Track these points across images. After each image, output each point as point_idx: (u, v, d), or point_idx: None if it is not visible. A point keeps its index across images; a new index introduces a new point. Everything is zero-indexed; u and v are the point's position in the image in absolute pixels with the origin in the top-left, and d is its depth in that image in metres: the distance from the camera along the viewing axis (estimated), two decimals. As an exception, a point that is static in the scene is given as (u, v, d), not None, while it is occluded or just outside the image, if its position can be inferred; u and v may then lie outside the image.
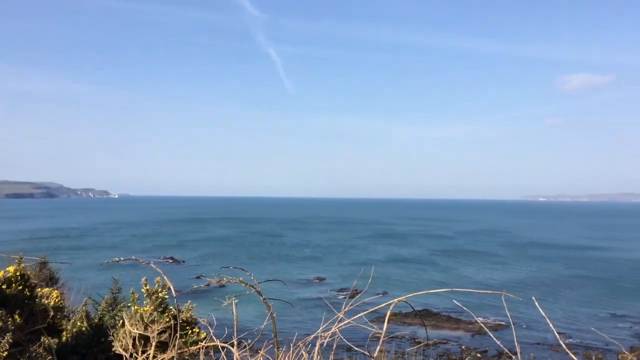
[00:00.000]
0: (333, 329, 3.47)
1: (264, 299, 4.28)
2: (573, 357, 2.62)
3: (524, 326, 43.61)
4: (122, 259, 4.64)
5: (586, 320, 47.27)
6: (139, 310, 4.84)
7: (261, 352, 4.03)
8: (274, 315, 4.23)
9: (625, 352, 2.89)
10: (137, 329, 4.66)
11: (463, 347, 39.48)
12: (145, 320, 4.70)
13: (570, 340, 41.11)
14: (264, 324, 4.50)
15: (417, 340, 38.36)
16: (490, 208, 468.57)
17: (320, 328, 3.53)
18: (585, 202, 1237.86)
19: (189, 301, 5.18)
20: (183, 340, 4.80)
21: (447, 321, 46.24)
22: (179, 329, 4.43)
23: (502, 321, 44.99)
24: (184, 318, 5.01)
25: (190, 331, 4.97)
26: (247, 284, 4.26)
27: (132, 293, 5.17)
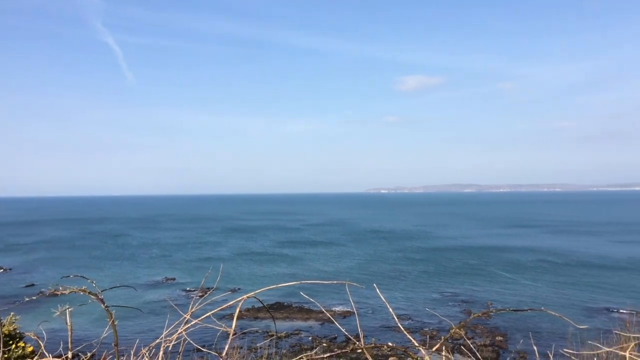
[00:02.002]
0: (179, 332, 3.32)
1: (105, 306, 3.96)
2: (410, 336, 2.81)
3: (371, 312, 46.47)
4: None
5: (422, 301, 51.76)
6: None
7: (100, 363, 3.72)
8: (116, 322, 3.94)
9: (455, 327, 3.19)
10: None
11: (314, 336, 40.92)
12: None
13: (410, 321, 44.76)
14: (105, 333, 4.17)
15: (270, 333, 38.89)
16: (338, 201, 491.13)
17: (164, 332, 3.36)
18: (420, 193, 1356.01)
19: (12, 313, 4.61)
20: (6, 356, 4.26)
21: (298, 312, 47.50)
22: (0, 344, 3.92)
23: (349, 308, 47.57)
24: (6, 332, 4.44)
25: (14, 346, 4.43)
26: (87, 291, 3.91)
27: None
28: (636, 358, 3.04)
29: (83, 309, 3.95)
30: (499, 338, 38.77)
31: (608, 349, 3.51)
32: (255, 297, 3.70)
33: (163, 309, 47.56)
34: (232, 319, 3.74)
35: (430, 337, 38.50)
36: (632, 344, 3.02)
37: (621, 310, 44.53)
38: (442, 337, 3.25)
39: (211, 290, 4.51)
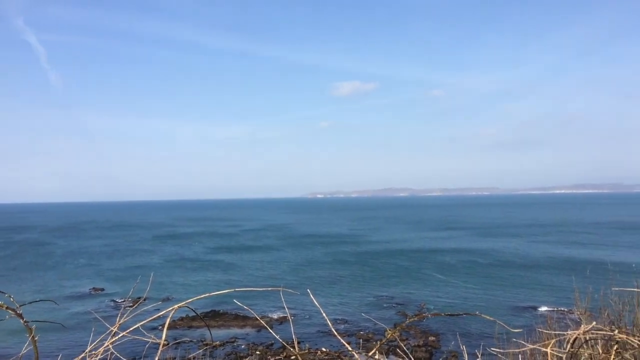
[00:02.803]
0: (106, 345, 3.16)
1: (25, 321, 3.71)
2: (342, 341, 2.82)
3: (308, 317, 46.51)
4: None
5: (358, 305, 52.42)
6: None
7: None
8: (37, 338, 3.70)
9: (389, 330, 3.24)
10: None
11: (250, 344, 40.45)
12: None
13: (346, 325, 45.19)
14: (24, 349, 3.91)
15: (205, 342, 38.06)
16: (274, 206, 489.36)
17: (89, 346, 3.19)
18: (355, 197, 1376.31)
19: None
20: None
21: (234, 320, 46.82)
22: None
23: (287, 314, 47.46)
24: None
25: None
26: (4, 306, 3.64)
27: None
28: (556, 353, 3.19)
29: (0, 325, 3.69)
30: (432, 338, 39.89)
31: (532, 346, 3.68)
32: (187, 307, 3.59)
33: (89, 322, 45.44)
34: (164, 329, 3.61)
35: (366, 341, 39.02)
36: (553, 341, 3.18)
37: (544, 308, 47.00)
38: (378, 341, 3.29)
39: (141, 300, 4.33)
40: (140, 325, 3.34)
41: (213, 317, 47.60)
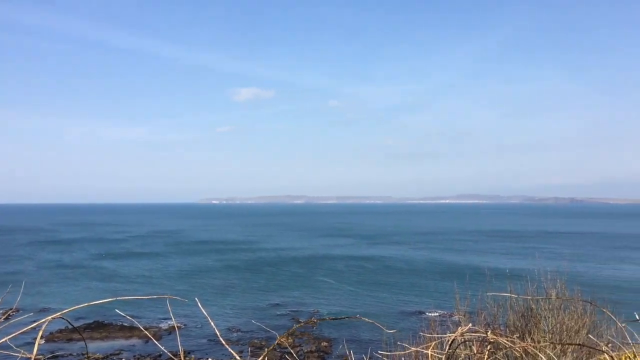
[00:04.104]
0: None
1: None
2: (230, 349, 2.76)
3: (199, 326, 45.27)
4: None
5: (251, 313, 51.99)
6: None
7: None
8: None
9: (279, 337, 3.24)
10: None
11: (136, 355, 38.58)
12: None
13: (239, 333, 44.60)
14: None
15: (88, 356, 35.71)
16: (167, 211, 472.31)
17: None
18: (252, 203, 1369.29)
19: None
20: None
21: (120, 330, 44.39)
22: None
23: (179, 323, 45.89)
24: None
25: None
26: None
27: None
28: (437, 355, 3.36)
29: None
30: (325, 344, 40.59)
31: (415, 349, 3.86)
32: (63, 318, 3.32)
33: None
34: (36, 342, 3.31)
35: (258, 348, 38.79)
36: (434, 343, 3.35)
37: (428, 312, 49.64)
38: (266, 349, 3.26)
39: (10, 312, 3.95)
40: (8, 339, 3.03)
41: (96, 328, 44.80)
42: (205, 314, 3.11)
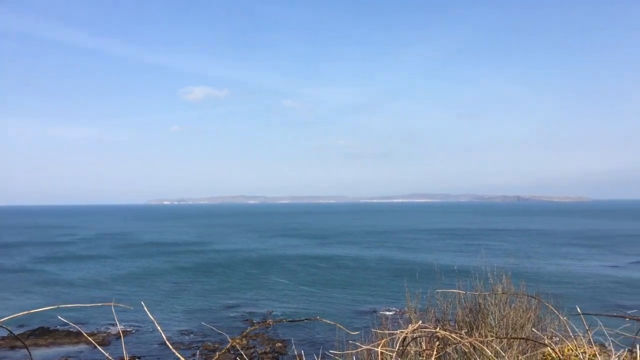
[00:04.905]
0: None
1: None
2: (177, 354, 2.71)
3: (151, 330, 44.20)
4: None
5: (204, 315, 51.21)
6: None
7: None
8: None
9: (230, 339, 3.19)
10: None
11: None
12: None
13: (192, 336, 43.86)
14: None
15: (29, 364, 34.29)
16: (116, 213, 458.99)
17: None
18: (205, 204, 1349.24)
19: None
20: None
21: (66, 337, 42.82)
22: None
23: (129, 328, 44.75)
24: None
25: None
26: None
27: None
28: (388, 352, 3.41)
29: None
30: (279, 344, 40.45)
31: (366, 347, 3.90)
32: (2, 326, 3.17)
33: None
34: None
35: (211, 351, 38.27)
36: (384, 340, 3.39)
37: (381, 310, 50.30)
38: (217, 352, 3.21)
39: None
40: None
41: (41, 334, 43.07)
42: (152, 318, 3.03)
